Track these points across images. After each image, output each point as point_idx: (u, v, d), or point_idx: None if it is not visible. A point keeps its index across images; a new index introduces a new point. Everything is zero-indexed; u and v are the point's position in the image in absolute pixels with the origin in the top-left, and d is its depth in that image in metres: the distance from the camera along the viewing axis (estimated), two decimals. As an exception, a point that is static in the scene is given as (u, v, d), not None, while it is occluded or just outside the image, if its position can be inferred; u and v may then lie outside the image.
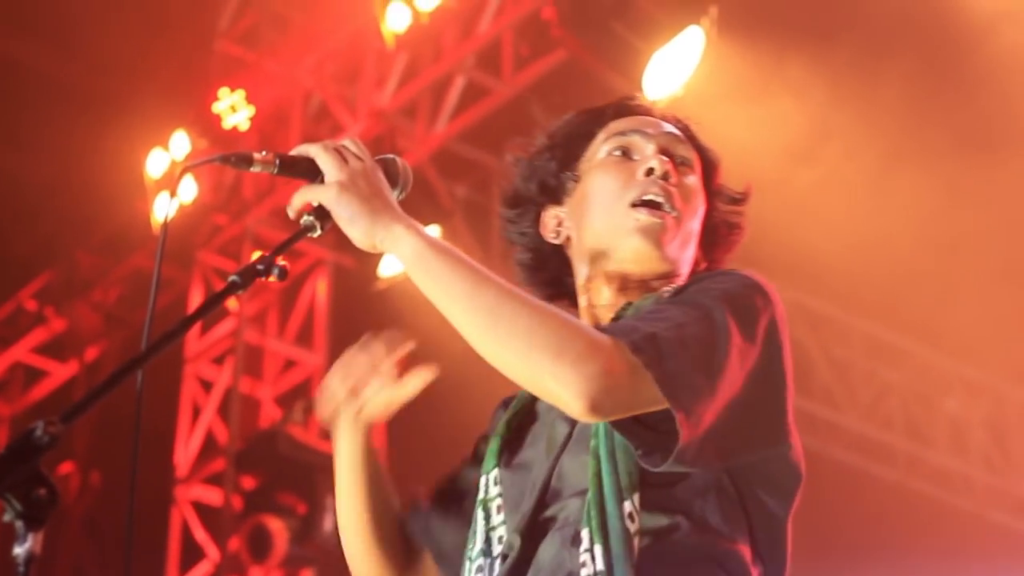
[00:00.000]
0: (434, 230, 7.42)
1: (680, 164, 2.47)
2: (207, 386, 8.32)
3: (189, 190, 8.11)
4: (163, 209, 8.29)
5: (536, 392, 2.14)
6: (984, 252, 8.27)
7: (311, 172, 2.29)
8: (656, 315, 2.16)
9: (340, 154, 2.22)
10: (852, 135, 7.60)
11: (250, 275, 2.18)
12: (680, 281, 2.41)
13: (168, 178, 8.11)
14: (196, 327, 8.21)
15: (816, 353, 9.19)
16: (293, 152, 2.29)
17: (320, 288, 8.31)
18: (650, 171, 2.43)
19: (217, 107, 8.20)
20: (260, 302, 8.33)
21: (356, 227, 2.17)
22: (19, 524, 1.74)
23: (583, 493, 2.18)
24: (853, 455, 9.39)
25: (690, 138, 2.55)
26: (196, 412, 8.26)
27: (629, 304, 2.35)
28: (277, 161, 2.29)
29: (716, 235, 2.53)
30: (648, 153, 2.46)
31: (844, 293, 8.86)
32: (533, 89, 7.23)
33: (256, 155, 2.27)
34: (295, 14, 8.11)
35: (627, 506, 2.10)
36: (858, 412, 9.38)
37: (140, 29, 7.64)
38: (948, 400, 9.76)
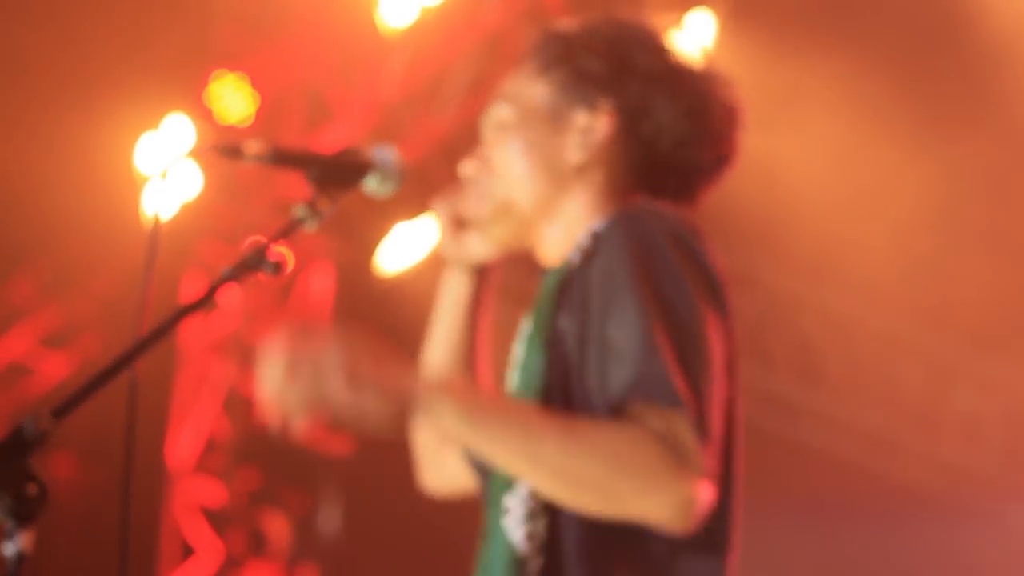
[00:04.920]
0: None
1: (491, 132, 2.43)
2: (206, 381, 8.27)
3: (185, 179, 8.06)
4: (156, 198, 8.26)
5: None
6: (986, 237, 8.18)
7: (304, 164, 2.24)
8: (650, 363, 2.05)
9: (303, 374, 2.02)
10: (846, 113, 7.49)
11: (243, 270, 2.16)
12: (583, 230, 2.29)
13: (164, 166, 8.05)
14: (193, 320, 8.15)
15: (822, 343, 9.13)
16: None
17: (320, 283, 8.24)
18: None
19: (215, 93, 8.12)
20: (259, 296, 8.27)
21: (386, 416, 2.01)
22: (9, 522, 1.75)
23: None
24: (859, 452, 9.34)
25: (535, 57, 2.49)
26: (195, 407, 8.20)
27: None
28: (270, 153, 2.25)
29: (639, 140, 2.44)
30: None
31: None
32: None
33: (248, 146, 2.23)
34: (296, 1, 8.06)
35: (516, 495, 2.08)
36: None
37: (138, 14, 7.58)
38: (958, 392, 9.67)
